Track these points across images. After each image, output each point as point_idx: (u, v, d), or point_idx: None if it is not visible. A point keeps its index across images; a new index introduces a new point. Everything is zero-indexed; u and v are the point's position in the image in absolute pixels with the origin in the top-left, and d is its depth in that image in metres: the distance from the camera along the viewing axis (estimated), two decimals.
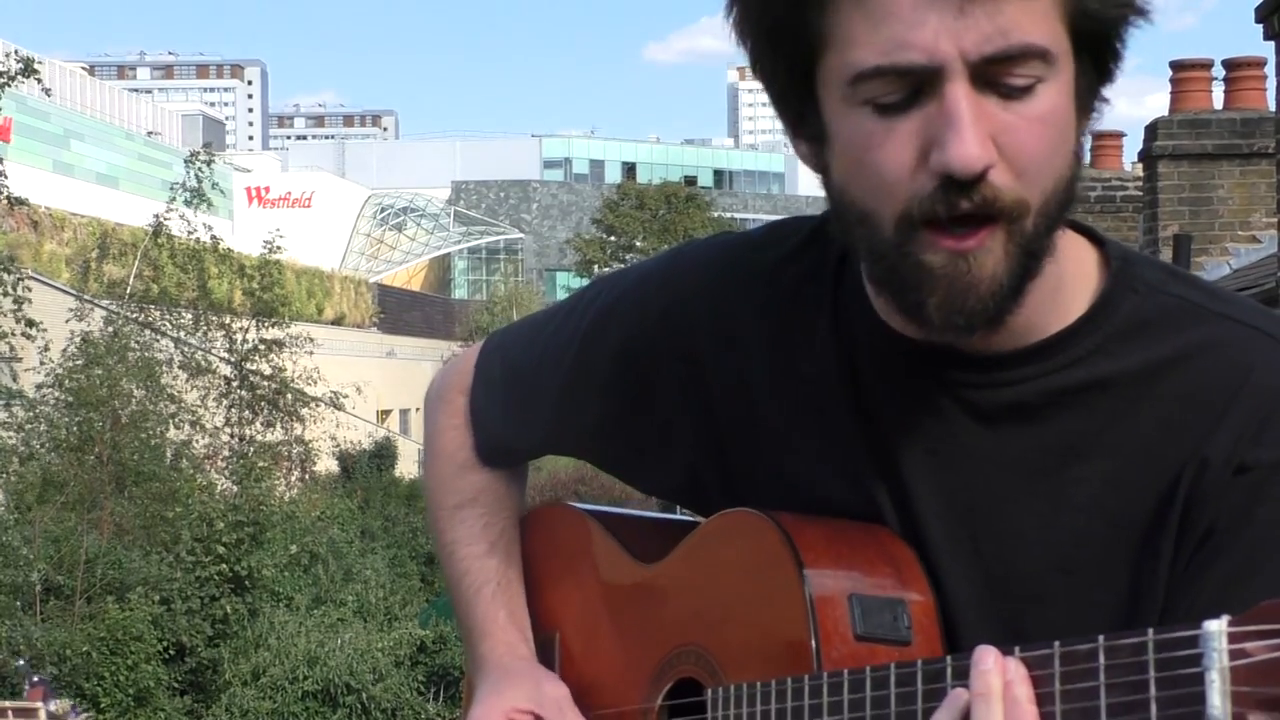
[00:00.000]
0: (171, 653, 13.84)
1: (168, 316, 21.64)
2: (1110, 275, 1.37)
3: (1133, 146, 13.47)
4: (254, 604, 15.18)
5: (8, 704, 3.10)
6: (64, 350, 17.33)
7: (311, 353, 23.76)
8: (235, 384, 22.64)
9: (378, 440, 30.38)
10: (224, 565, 14.83)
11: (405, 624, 16.64)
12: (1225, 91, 12.49)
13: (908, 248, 1.25)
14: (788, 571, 1.36)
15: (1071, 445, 1.33)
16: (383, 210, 69.96)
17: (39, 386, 17.07)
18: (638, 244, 59.45)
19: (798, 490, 1.44)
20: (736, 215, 65.81)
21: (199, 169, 20.56)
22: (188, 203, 20.64)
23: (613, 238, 61.74)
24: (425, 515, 1.86)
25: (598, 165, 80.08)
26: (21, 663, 3.55)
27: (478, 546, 1.74)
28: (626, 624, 1.62)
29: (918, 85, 1.22)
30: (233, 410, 22.48)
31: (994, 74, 1.22)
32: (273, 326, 23.38)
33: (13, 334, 15.68)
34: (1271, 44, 8.06)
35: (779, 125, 1.38)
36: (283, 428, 23.25)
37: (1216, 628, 1.02)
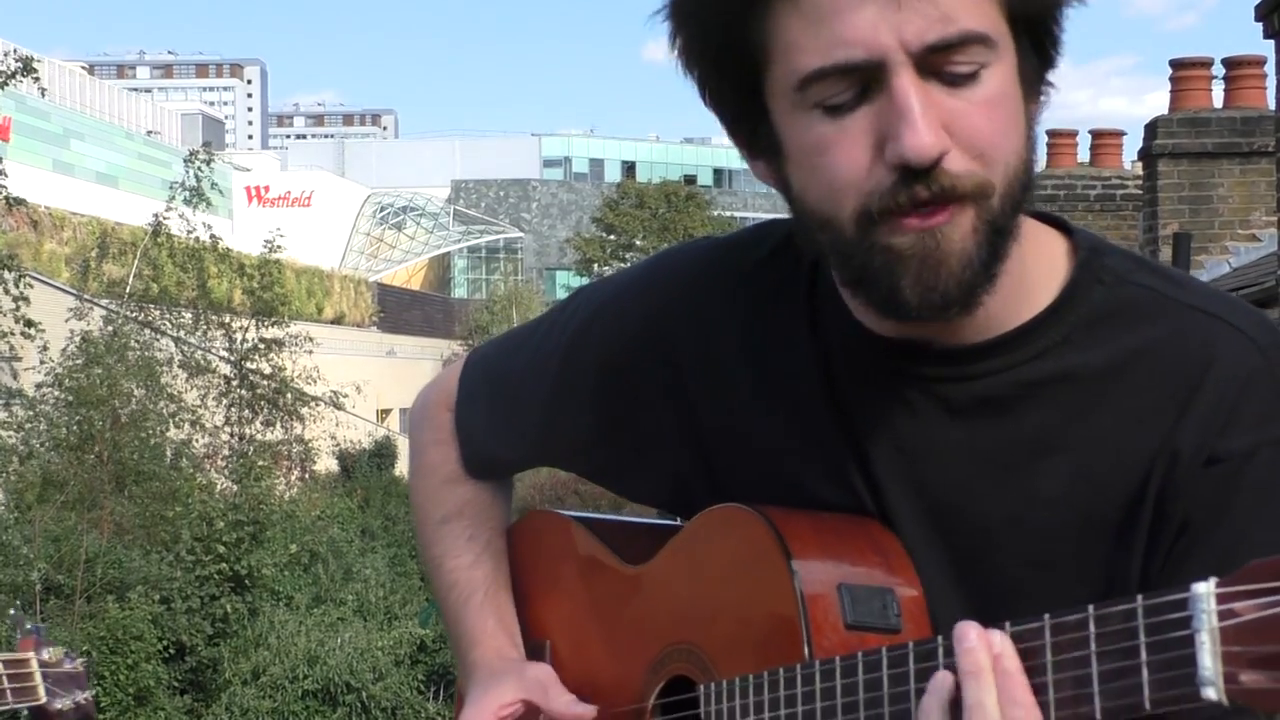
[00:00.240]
0: (171, 652, 13.84)
1: (167, 316, 21.62)
2: (1077, 266, 1.38)
3: (1133, 145, 13.50)
4: (254, 603, 15.17)
5: None
6: (63, 349, 17.32)
7: (311, 352, 23.76)
8: (235, 383, 22.63)
9: (377, 439, 30.38)
10: (224, 564, 14.83)
11: (405, 623, 16.63)
12: (1225, 90, 12.50)
13: (873, 239, 1.27)
14: (776, 563, 1.37)
15: (1040, 438, 1.34)
16: (382, 209, 69.93)
17: (39, 386, 17.06)
18: (637, 243, 59.41)
19: (784, 490, 1.45)
20: (736, 214, 65.77)
21: (198, 168, 20.54)
22: (187, 202, 20.62)
23: (612, 237, 61.71)
24: (413, 528, 1.87)
25: (597, 164, 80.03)
26: (13, 611, 3.51)
27: (464, 558, 1.76)
28: (617, 626, 1.63)
29: (864, 82, 1.24)
30: (232, 409, 22.46)
31: (937, 63, 1.24)
32: (272, 326, 23.37)
33: (12, 333, 15.67)
34: (1271, 42, 8.06)
35: None
36: (283, 427, 23.24)
37: (1205, 589, 1.03)
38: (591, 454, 1.66)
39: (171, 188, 20.98)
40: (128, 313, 19.80)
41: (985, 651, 1.13)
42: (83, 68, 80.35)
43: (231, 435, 22.07)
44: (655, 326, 1.54)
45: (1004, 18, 1.27)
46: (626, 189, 65.02)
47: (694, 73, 1.34)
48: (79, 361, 17.08)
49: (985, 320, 1.34)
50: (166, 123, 78.94)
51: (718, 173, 78.83)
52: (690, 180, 72.65)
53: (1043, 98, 1.34)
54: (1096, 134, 15.10)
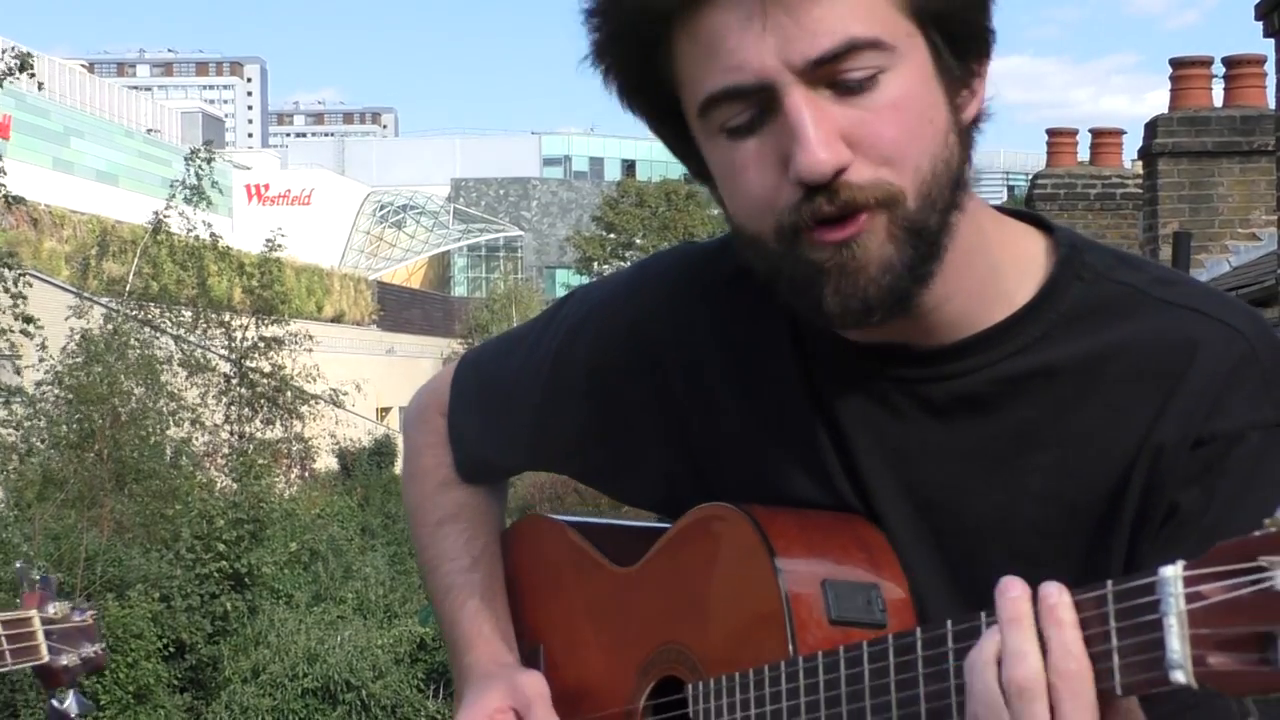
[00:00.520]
0: (171, 650, 13.83)
1: (167, 314, 21.62)
2: (1057, 263, 1.38)
3: (1133, 144, 13.50)
4: (254, 601, 15.16)
5: None
6: (63, 347, 17.32)
7: (311, 350, 23.75)
8: (235, 381, 22.62)
9: (377, 438, 30.37)
10: (224, 562, 14.81)
11: (405, 621, 16.62)
12: (1225, 89, 12.51)
13: (794, 253, 1.28)
14: (761, 561, 1.38)
15: (1024, 434, 1.35)
16: (382, 208, 69.92)
17: (39, 384, 17.06)
18: (637, 241, 59.42)
19: (771, 494, 1.46)
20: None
21: (199, 166, 20.54)
22: (188, 200, 20.62)
23: (612, 235, 61.72)
24: (408, 531, 1.88)
25: (597, 163, 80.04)
26: (20, 564, 3.34)
27: (461, 561, 1.77)
28: (609, 628, 1.64)
29: (761, 104, 1.26)
30: (232, 408, 22.46)
31: (829, 74, 1.24)
32: (272, 324, 23.36)
33: (11, 330, 15.67)
34: (1271, 41, 8.07)
35: None
36: (282, 425, 23.23)
37: (1172, 573, 1.03)
38: (583, 457, 1.67)
39: (172, 186, 20.97)
40: (128, 311, 19.79)
41: (1028, 601, 1.11)
42: (83, 66, 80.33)
43: (231, 433, 22.06)
44: (642, 332, 1.55)
45: (908, 17, 1.26)
46: (626, 187, 65.02)
47: (631, 108, 1.38)
48: (79, 359, 17.08)
49: (960, 319, 1.35)
50: (166, 121, 78.89)
51: None
52: (690, 179, 72.54)
53: (969, 88, 1.32)
54: (1097, 133, 15.10)
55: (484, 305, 54.82)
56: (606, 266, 56.47)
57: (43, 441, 16.53)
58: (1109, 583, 1.08)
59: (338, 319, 44.28)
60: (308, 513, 19.49)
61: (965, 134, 1.32)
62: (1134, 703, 1.13)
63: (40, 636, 2.98)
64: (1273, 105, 9.55)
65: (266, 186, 67.23)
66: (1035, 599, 1.12)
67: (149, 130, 62.10)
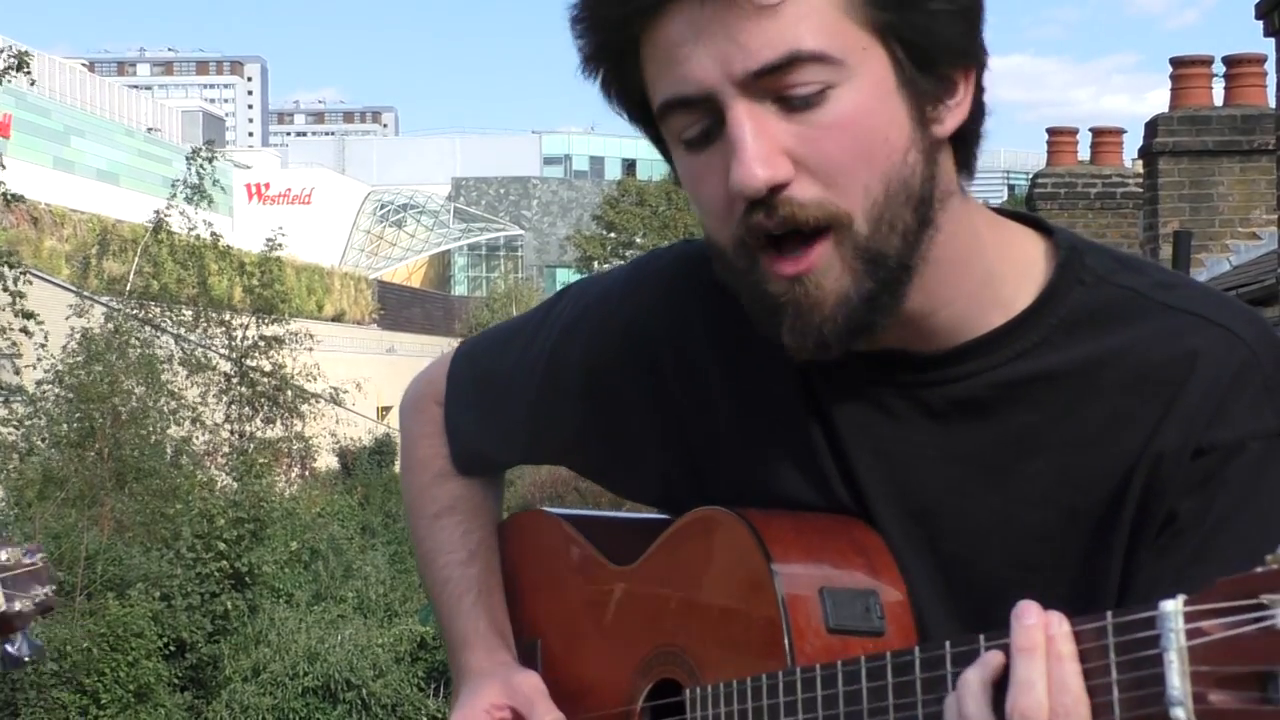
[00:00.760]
0: (172, 649, 13.84)
1: (168, 313, 21.63)
2: (1057, 267, 1.36)
3: (1133, 143, 13.50)
4: (254, 600, 15.17)
5: None
6: (64, 346, 17.33)
7: (311, 349, 23.76)
8: (235, 380, 22.64)
9: (378, 436, 30.39)
10: (224, 561, 14.83)
11: (405, 620, 16.64)
12: (1225, 88, 12.50)
13: (754, 277, 1.28)
14: (758, 567, 1.36)
15: (1023, 439, 1.34)
16: (383, 207, 69.95)
17: (39, 383, 17.07)
18: (638, 240, 59.43)
19: (767, 495, 1.45)
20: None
21: (201, 165, 20.55)
22: (189, 199, 20.63)
23: (613, 234, 61.75)
24: (405, 523, 1.88)
25: (598, 162, 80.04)
26: None
27: (458, 554, 1.76)
28: (606, 627, 1.64)
29: (712, 116, 1.25)
30: (233, 407, 22.48)
31: (774, 88, 1.22)
32: (273, 323, 23.38)
33: (10, 328, 15.67)
34: (1272, 40, 8.06)
35: None
36: (283, 424, 23.25)
37: (1173, 608, 1.02)
38: (579, 454, 1.67)
39: (173, 185, 20.99)
40: (128, 310, 19.80)
41: (1043, 630, 1.10)
42: (83, 65, 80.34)
43: (232, 432, 22.08)
44: (638, 332, 1.54)
45: (863, 29, 1.23)
46: (627, 186, 65.05)
47: (621, 114, 1.38)
48: (79, 358, 17.09)
49: (956, 327, 1.34)
50: (167, 120, 78.89)
51: None
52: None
53: (950, 100, 1.28)
54: (1097, 132, 15.10)
55: (484, 304, 54.87)
56: (607, 265, 56.40)
57: (43, 440, 16.55)
58: (1109, 614, 1.07)
59: (338, 318, 44.31)
60: (308, 512, 19.52)
61: (935, 148, 1.28)
62: None
63: None
64: (1273, 104, 9.56)
65: (267, 185, 67.25)
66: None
67: (149, 129, 62.10)
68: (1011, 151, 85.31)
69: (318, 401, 24.21)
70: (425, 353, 46.13)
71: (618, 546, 1.64)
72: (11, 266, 15.62)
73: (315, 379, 23.84)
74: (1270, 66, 8.96)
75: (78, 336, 17.52)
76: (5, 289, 15.43)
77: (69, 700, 12.66)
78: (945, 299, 1.33)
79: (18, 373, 17.05)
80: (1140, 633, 1.04)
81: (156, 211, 21.27)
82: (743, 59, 1.21)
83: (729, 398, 1.48)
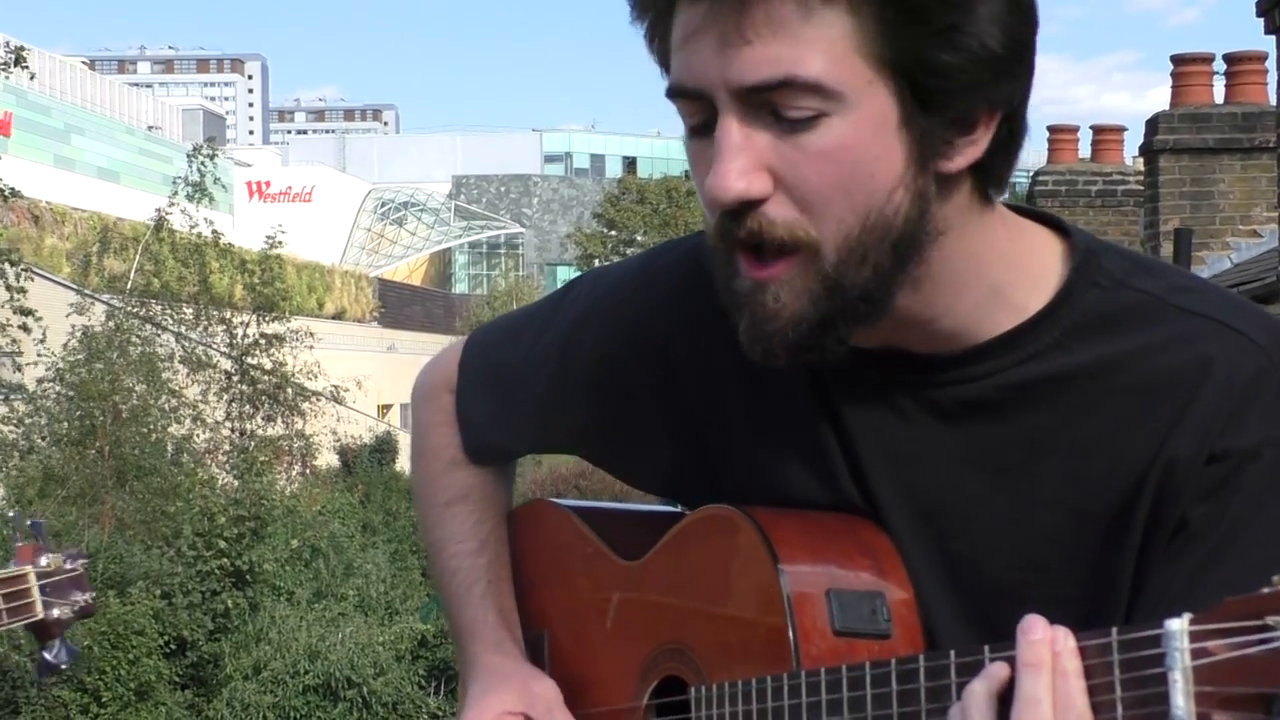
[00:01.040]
0: (173, 647, 13.84)
1: (169, 311, 21.64)
2: (1073, 269, 1.35)
3: (1134, 141, 13.49)
4: (255, 598, 15.17)
5: None
6: (65, 344, 17.34)
7: (312, 347, 23.77)
8: (236, 378, 22.64)
9: (378, 435, 30.36)
10: (225, 560, 14.82)
11: (406, 618, 16.64)
12: (1226, 86, 12.50)
13: (728, 270, 1.29)
14: (764, 568, 1.36)
15: (1034, 441, 1.33)
16: (383, 205, 69.99)
17: (40, 381, 17.07)
18: (639, 238, 59.48)
19: (774, 491, 1.45)
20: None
21: (202, 163, 20.56)
22: (190, 197, 20.64)
23: (613, 232, 61.81)
24: (415, 510, 1.88)
25: (598, 159, 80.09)
26: (12, 514, 3.19)
27: (468, 544, 1.75)
28: (612, 622, 1.63)
29: (711, 112, 1.25)
30: (233, 405, 22.48)
31: (771, 105, 1.21)
32: (273, 321, 23.38)
33: (9, 324, 15.68)
34: (1272, 38, 8.06)
35: None
36: (283, 422, 23.25)
37: (1178, 626, 1.01)
38: (589, 443, 1.67)
39: (174, 182, 21.00)
40: (129, 308, 19.81)
41: (1049, 646, 1.09)
42: (84, 63, 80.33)
43: (232, 430, 22.08)
44: (649, 324, 1.54)
45: (871, 64, 1.21)
46: (628, 184, 65.14)
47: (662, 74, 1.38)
48: (80, 356, 17.10)
49: (962, 332, 1.34)
50: (167, 118, 78.93)
51: None
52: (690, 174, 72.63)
53: (962, 140, 1.25)
54: (1098, 129, 15.10)
55: (485, 302, 54.90)
56: (607, 264, 56.46)
57: (44, 438, 16.56)
58: (1114, 631, 1.07)
59: (339, 316, 44.35)
60: (309, 510, 19.52)
61: (938, 184, 1.26)
62: None
63: (35, 593, 2.91)
64: (1274, 102, 9.56)
65: (268, 183, 67.33)
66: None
67: (150, 127, 62.14)
68: None
69: (318, 399, 24.22)
70: (426, 351, 46.17)
71: (625, 540, 1.64)
72: (13, 264, 15.63)
73: (316, 377, 23.84)
74: (1271, 64, 8.97)
75: (78, 334, 17.52)
76: (7, 286, 15.43)
77: (69, 698, 12.67)
78: (943, 308, 1.32)
79: (18, 370, 17.05)
80: (1145, 650, 1.03)
81: (158, 209, 21.28)
82: (740, 70, 1.21)
83: (740, 393, 1.48)
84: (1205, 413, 1.26)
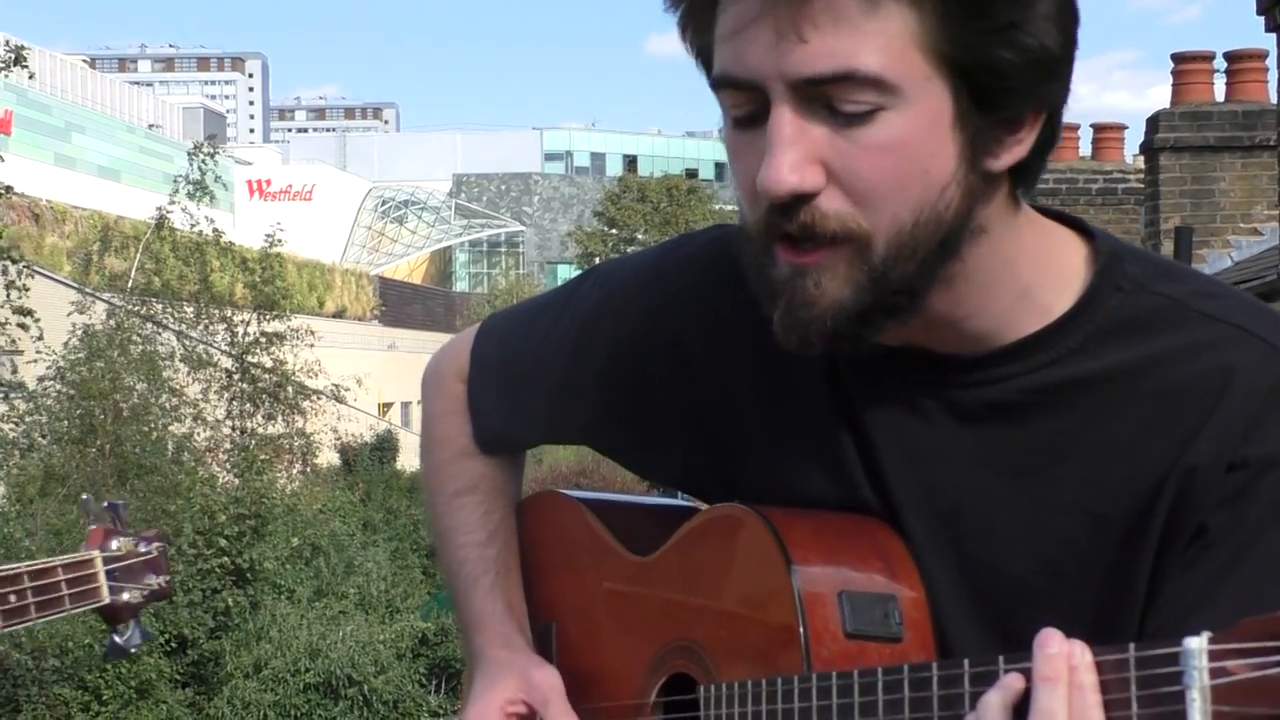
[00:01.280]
0: (173, 645, 13.84)
1: (169, 309, 21.63)
2: (1096, 272, 1.35)
3: (1134, 139, 13.51)
4: (256, 596, 15.17)
5: (57, 560, 2.85)
6: (65, 343, 17.33)
7: (313, 345, 23.76)
8: (236, 377, 22.63)
9: (379, 433, 30.36)
10: (226, 558, 14.82)
11: (407, 616, 16.65)
12: (1227, 84, 12.52)
13: (764, 259, 1.28)
14: (777, 569, 1.35)
15: (1054, 445, 1.32)
16: (384, 203, 69.98)
17: (40, 379, 17.07)
18: (639, 237, 59.48)
19: (789, 488, 1.44)
20: (738, 208, 65.81)
21: (203, 162, 20.55)
22: (190, 195, 20.63)
23: (614, 230, 61.81)
24: (423, 499, 1.87)
25: (599, 158, 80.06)
26: (85, 497, 3.14)
27: (477, 535, 1.74)
28: (621, 617, 1.63)
29: (760, 102, 1.23)
30: (234, 403, 22.46)
31: (826, 97, 1.20)
32: (274, 319, 23.37)
33: (8, 323, 15.67)
34: (1273, 36, 8.07)
35: None
36: (284, 421, 23.24)
37: (1197, 645, 1.01)
38: (601, 434, 1.66)
39: (175, 181, 20.99)
40: (130, 306, 19.80)
41: (1065, 660, 1.09)
42: (84, 61, 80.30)
43: (233, 429, 22.07)
44: (664, 316, 1.53)
45: (929, 60, 1.20)
46: (628, 183, 65.15)
47: (697, 63, 1.36)
48: (81, 355, 17.09)
49: (989, 334, 1.33)
50: (168, 116, 78.91)
51: (719, 166, 78.74)
52: (692, 174, 72.74)
53: (1010, 140, 1.26)
54: (1098, 128, 15.11)
55: (485, 301, 54.86)
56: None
57: (44, 437, 16.55)
58: (1132, 647, 1.06)
59: (339, 314, 44.34)
60: (309, 508, 19.51)
61: (984, 182, 1.26)
62: None
63: (101, 578, 2.89)
64: (1274, 100, 9.56)
65: (268, 182, 67.33)
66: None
67: (150, 126, 62.05)
68: None
69: (319, 398, 24.21)
70: (426, 349, 46.10)
71: (635, 534, 1.64)
72: (14, 261, 15.63)
73: (316, 375, 23.84)
74: (1271, 62, 8.97)
75: (79, 333, 17.51)
76: (10, 284, 15.42)
77: (70, 696, 12.67)
78: (974, 309, 1.32)
79: (14, 371, 17.05)
80: (1163, 668, 1.03)
81: (159, 208, 21.27)
82: (798, 63, 1.19)
83: (756, 387, 1.47)
84: (1226, 420, 1.26)
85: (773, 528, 1.37)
